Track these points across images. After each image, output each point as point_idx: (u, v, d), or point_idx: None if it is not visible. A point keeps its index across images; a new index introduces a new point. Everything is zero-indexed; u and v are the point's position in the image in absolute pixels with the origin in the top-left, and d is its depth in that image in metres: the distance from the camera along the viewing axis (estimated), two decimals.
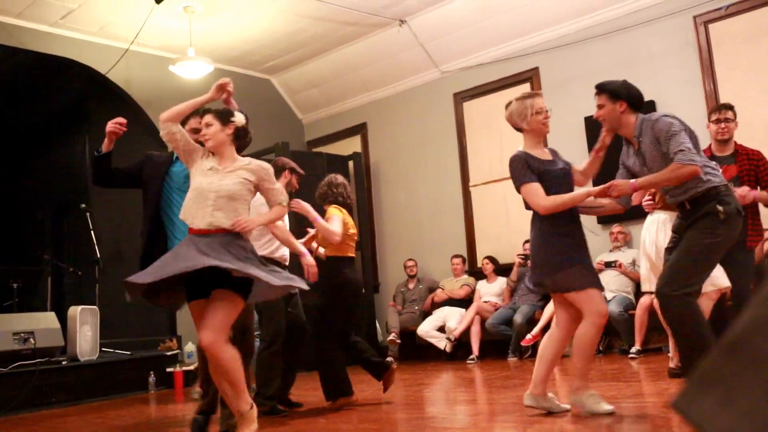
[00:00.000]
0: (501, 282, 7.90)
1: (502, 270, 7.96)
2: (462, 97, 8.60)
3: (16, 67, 8.76)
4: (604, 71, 7.43)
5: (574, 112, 7.42)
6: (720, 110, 4.89)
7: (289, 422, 4.43)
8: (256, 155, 8.89)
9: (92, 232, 7.70)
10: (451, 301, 8.05)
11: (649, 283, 5.16)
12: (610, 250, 7.18)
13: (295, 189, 5.22)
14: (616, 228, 7.12)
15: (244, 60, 9.27)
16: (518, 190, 3.68)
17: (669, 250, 3.74)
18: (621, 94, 3.63)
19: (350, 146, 9.64)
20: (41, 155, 11.21)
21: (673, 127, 3.45)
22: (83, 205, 7.97)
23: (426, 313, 8.18)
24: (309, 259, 4.55)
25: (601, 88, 3.72)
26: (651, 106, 7.04)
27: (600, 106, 3.72)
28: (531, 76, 7.97)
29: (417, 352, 8.28)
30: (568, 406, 3.73)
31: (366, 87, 9.50)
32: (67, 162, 10.41)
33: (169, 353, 7.21)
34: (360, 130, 9.70)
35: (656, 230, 5.03)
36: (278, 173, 5.19)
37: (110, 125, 4.00)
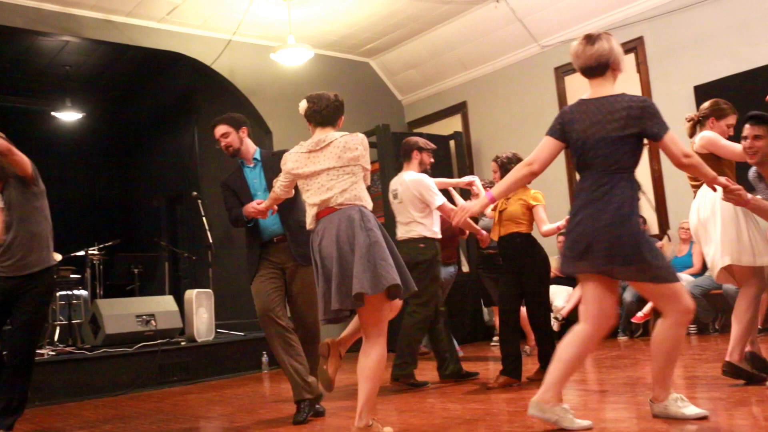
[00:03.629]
0: None
1: None
2: (563, 71, 8.38)
3: (128, 63, 9.21)
4: (715, 37, 7.08)
5: (683, 81, 7.12)
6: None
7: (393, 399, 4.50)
8: None
9: (204, 218, 8.02)
10: (558, 280, 7.90)
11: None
12: None
13: (429, 164, 5.39)
14: None
15: (342, 44, 9.37)
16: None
17: None
18: None
19: (451, 125, 9.60)
20: (154, 147, 11.75)
21: None
22: (194, 193, 8.32)
23: None
24: None
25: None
26: (767, 72, 6.65)
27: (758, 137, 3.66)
28: (635, 46, 7.67)
29: (523, 331, 8.18)
30: (585, 423, 3.10)
31: (464, 65, 9.41)
32: (178, 152, 10.86)
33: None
34: (460, 109, 9.63)
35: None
36: (407, 156, 5.34)
37: (252, 212, 4.10)
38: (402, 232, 5.25)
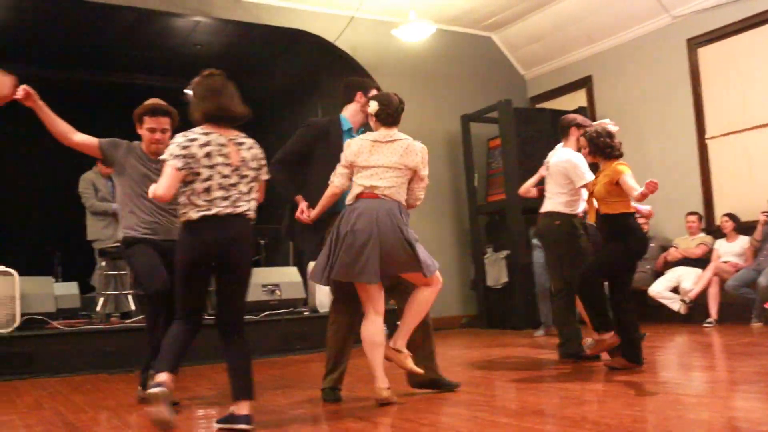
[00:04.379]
0: (742, 241, 7.30)
1: (744, 228, 7.35)
2: (696, 42, 7.95)
3: (254, 41, 9.48)
4: None
5: None
6: None
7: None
8: (479, 113, 8.97)
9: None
10: (686, 261, 7.59)
11: None
12: None
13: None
14: None
15: (464, 19, 9.27)
16: None
17: None
18: None
19: (575, 101, 9.32)
20: (278, 122, 12.07)
21: None
22: None
23: (658, 273, 7.78)
24: None
25: None
26: None
27: None
28: None
29: (648, 314, 7.92)
30: None
31: (590, 38, 9.10)
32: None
33: (397, 307, 7.54)
34: (585, 83, 9.35)
35: None
36: (564, 132, 5.29)
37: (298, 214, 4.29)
38: (543, 205, 5.30)
